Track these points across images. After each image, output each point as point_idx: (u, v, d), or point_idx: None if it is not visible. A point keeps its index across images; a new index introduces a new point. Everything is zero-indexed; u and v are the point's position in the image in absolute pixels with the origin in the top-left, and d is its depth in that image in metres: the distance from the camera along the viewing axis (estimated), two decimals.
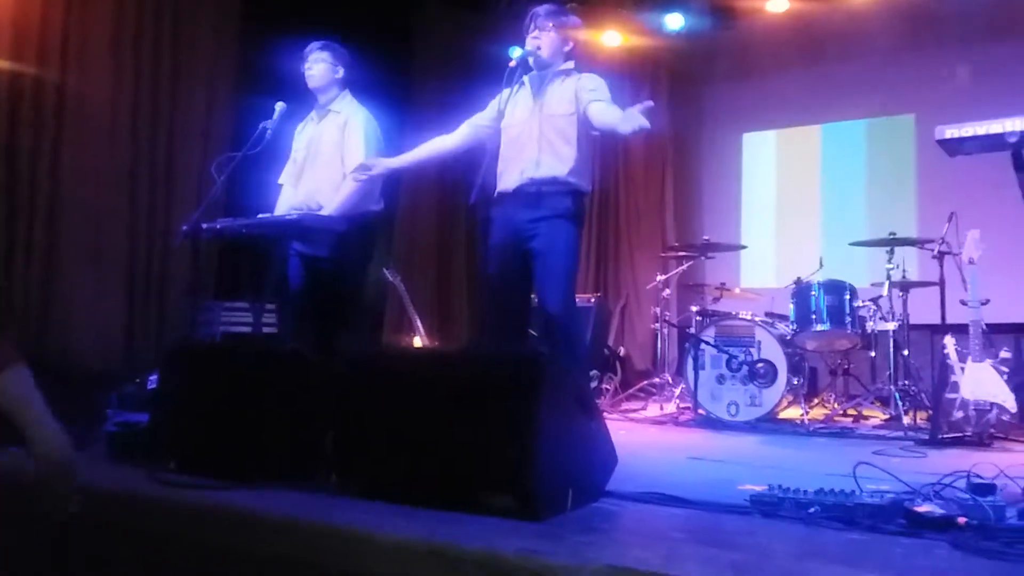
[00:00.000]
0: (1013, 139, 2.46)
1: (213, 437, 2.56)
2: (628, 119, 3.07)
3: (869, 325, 4.69)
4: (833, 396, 5.13)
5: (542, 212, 3.38)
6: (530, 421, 2.05)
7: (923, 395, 4.54)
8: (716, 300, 5.40)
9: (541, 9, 3.55)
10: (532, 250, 3.39)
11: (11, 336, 2.08)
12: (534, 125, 3.47)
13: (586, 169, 3.50)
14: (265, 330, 4.11)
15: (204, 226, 3.58)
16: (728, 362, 4.64)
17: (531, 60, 3.50)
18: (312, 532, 1.98)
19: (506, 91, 3.43)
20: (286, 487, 2.29)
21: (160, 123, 5.25)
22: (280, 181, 4.02)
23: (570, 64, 3.56)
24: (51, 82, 4.71)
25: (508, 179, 3.50)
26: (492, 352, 2.64)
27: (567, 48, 3.56)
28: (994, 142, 2.50)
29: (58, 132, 4.75)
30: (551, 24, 3.49)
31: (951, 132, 2.56)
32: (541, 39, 3.48)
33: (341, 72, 3.91)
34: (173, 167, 5.30)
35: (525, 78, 3.56)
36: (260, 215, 3.78)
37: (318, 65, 3.87)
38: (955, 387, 3.70)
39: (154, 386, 3.69)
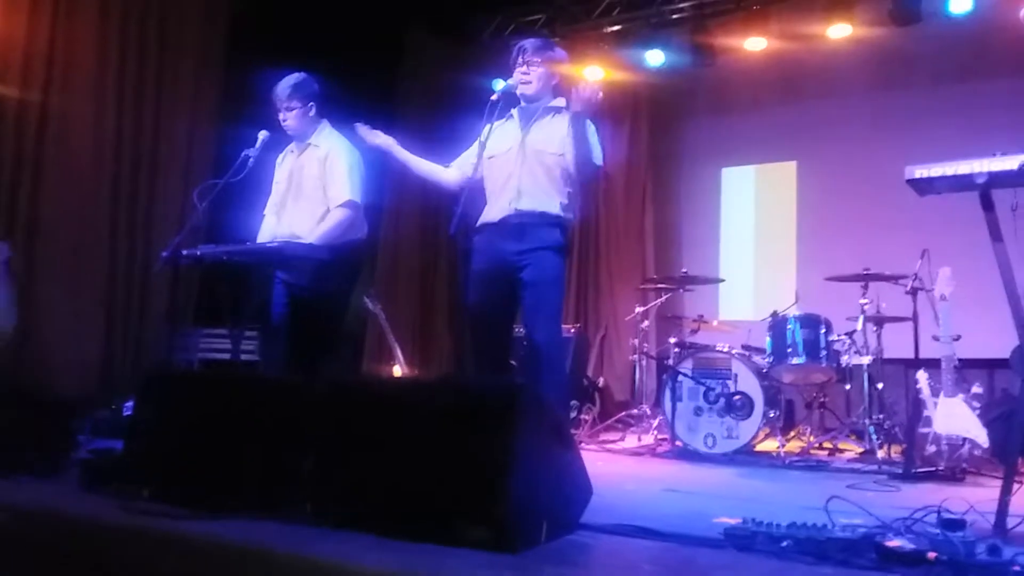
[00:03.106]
0: (981, 180, 2.52)
1: (188, 465, 2.54)
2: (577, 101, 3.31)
3: (844, 359, 4.74)
4: (809, 429, 5.15)
5: (529, 244, 3.40)
6: (506, 452, 2.05)
7: (897, 429, 4.58)
8: (694, 332, 5.44)
9: (528, 44, 3.58)
10: (521, 280, 3.40)
11: None
12: (519, 158, 3.50)
13: (573, 203, 3.54)
14: (244, 358, 4.10)
15: (184, 252, 3.58)
16: (705, 394, 4.67)
17: (518, 92, 3.54)
18: (287, 563, 1.96)
19: (487, 127, 3.46)
20: (261, 517, 2.27)
21: (142, 149, 5.25)
22: (264, 212, 4.02)
23: (560, 101, 3.60)
24: (34, 108, 4.72)
25: (493, 209, 3.52)
26: (469, 382, 2.65)
27: (554, 83, 3.61)
28: (963, 182, 2.57)
29: (39, 157, 4.75)
30: (539, 59, 3.53)
31: (921, 172, 2.62)
32: (530, 74, 3.52)
33: (314, 109, 3.92)
34: (154, 193, 5.30)
35: (513, 111, 3.59)
36: (242, 243, 3.78)
37: (290, 114, 3.86)
38: (928, 421, 3.74)
39: (130, 413, 3.66)
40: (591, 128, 3.50)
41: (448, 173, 3.72)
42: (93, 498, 2.51)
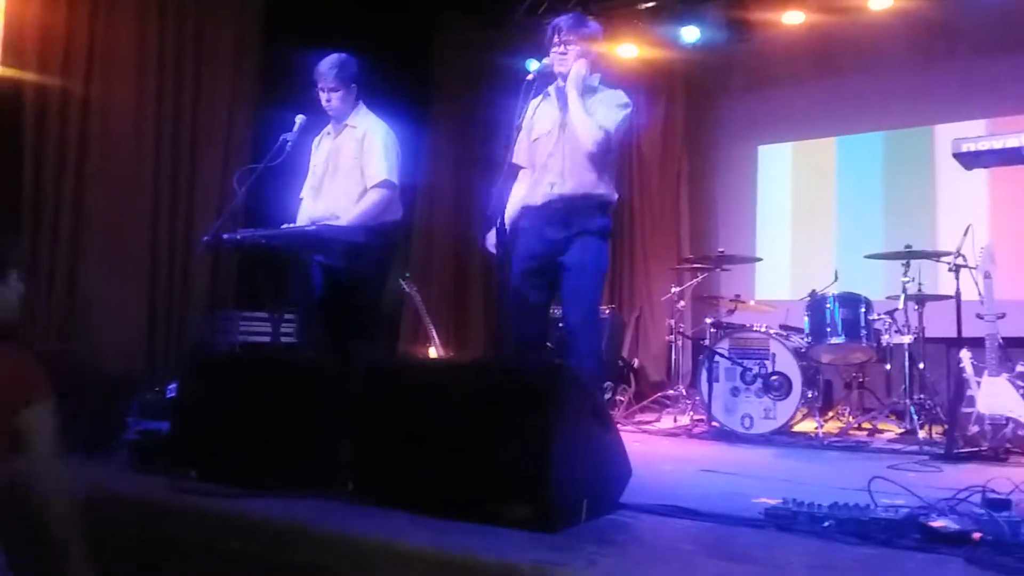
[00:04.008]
0: None
1: (233, 446, 2.60)
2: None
3: (884, 338, 4.68)
4: (848, 409, 5.11)
5: (575, 229, 3.42)
6: (546, 433, 2.07)
7: (939, 409, 4.52)
8: (731, 312, 5.40)
9: (563, 22, 3.55)
10: (562, 264, 3.42)
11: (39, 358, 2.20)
12: (561, 141, 3.49)
13: (613, 181, 3.55)
14: (283, 340, 4.15)
15: (224, 237, 3.63)
16: (742, 374, 4.64)
17: (555, 71, 3.51)
18: (329, 541, 2.00)
19: (527, 108, 3.45)
20: (304, 496, 2.32)
21: (182, 135, 5.31)
22: (301, 195, 4.06)
23: (595, 79, 3.58)
24: (76, 95, 4.79)
25: (536, 192, 3.52)
26: (508, 363, 2.67)
27: (591, 59, 3.58)
28: (1011, 156, 2.52)
29: (82, 144, 4.82)
30: (574, 37, 3.50)
31: (968, 146, 2.57)
32: (567, 53, 3.49)
33: (356, 90, 3.94)
34: (194, 178, 5.36)
35: (550, 88, 3.57)
36: (280, 226, 3.83)
37: (335, 95, 3.86)
38: (971, 401, 3.69)
39: (174, 395, 3.74)
40: (612, 103, 3.49)
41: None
42: (143, 478, 2.58)
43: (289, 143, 3.82)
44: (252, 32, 5.67)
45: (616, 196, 3.57)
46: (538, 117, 3.52)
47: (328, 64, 3.87)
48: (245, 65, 5.64)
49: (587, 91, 3.53)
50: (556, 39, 3.50)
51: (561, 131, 3.49)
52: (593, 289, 3.47)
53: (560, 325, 3.50)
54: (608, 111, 3.47)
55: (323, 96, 3.90)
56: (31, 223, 4.60)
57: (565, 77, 3.51)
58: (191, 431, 2.74)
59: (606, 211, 3.51)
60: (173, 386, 3.99)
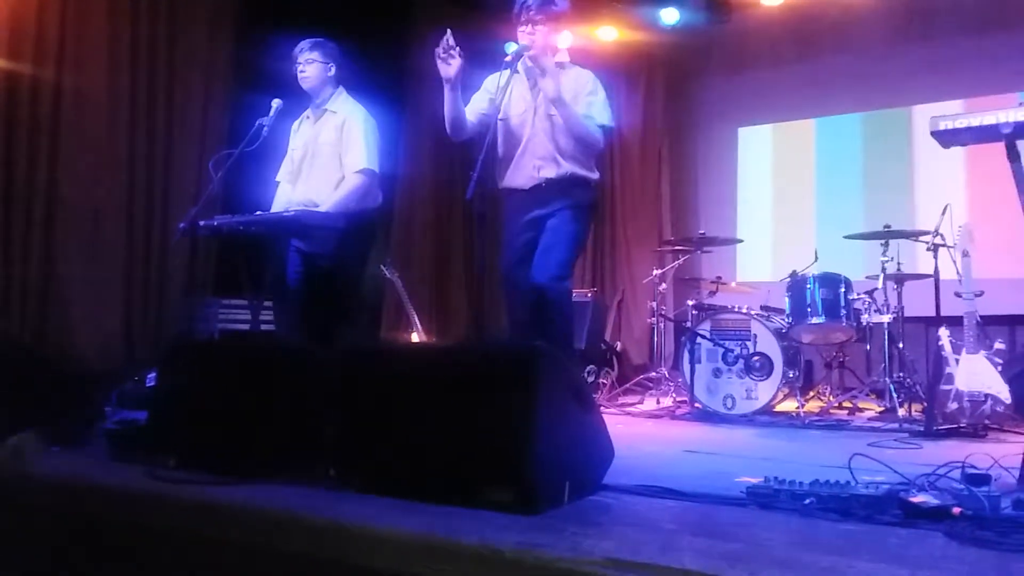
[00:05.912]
0: (1007, 130, 2.47)
1: (212, 433, 2.57)
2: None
3: (864, 318, 4.71)
4: (828, 389, 5.14)
5: (561, 203, 3.53)
6: (527, 415, 2.06)
7: (918, 387, 4.55)
8: (712, 294, 5.41)
9: (531, 0, 3.55)
10: (543, 229, 3.52)
11: None
12: (539, 122, 3.51)
13: (593, 159, 3.65)
14: (263, 327, 4.12)
15: (202, 223, 3.59)
16: (724, 356, 4.66)
17: (528, 54, 3.51)
18: (311, 527, 1.99)
19: (497, 77, 3.45)
20: (285, 482, 2.30)
21: (157, 120, 5.24)
22: (278, 179, 4.02)
23: (564, 57, 3.58)
24: (48, 81, 4.70)
25: (521, 176, 3.56)
26: (489, 346, 2.66)
27: (559, 37, 3.59)
28: (988, 133, 2.52)
29: (55, 130, 4.74)
30: (542, 16, 3.50)
31: (945, 124, 2.58)
32: (536, 33, 3.48)
33: (333, 70, 3.90)
34: (170, 164, 5.29)
35: (519, 67, 3.56)
36: (258, 212, 3.79)
37: (310, 66, 3.86)
38: (950, 379, 3.72)
39: (153, 383, 3.70)
40: (597, 94, 3.52)
41: (469, 118, 3.68)
42: (121, 468, 2.55)
43: (266, 128, 3.78)
44: (226, 15, 5.59)
45: (598, 174, 3.68)
46: (509, 97, 3.51)
47: (306, 41, 3.90)
48: (220, 49, 5.56)
49: (556, 68, 3.53)
50: (523, 18, 3.50)
51: (536, 114, 3.50)
52: (567, 249, 3.50)
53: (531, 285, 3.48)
54: (602, 107, 3.54)
55: (299, 70, 3.87)
56: (3, 211, 4.53)
57: (534, 58, 3.50)
58: (170, 420, 2.71)
59: (590, 186, 3.60)
60: (152, 375, 3.94)
